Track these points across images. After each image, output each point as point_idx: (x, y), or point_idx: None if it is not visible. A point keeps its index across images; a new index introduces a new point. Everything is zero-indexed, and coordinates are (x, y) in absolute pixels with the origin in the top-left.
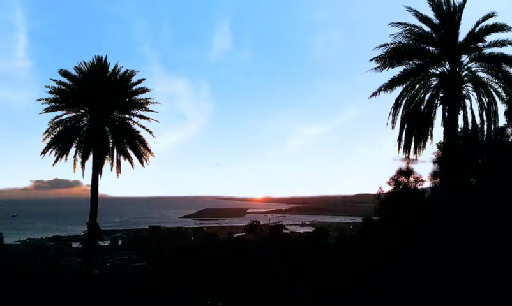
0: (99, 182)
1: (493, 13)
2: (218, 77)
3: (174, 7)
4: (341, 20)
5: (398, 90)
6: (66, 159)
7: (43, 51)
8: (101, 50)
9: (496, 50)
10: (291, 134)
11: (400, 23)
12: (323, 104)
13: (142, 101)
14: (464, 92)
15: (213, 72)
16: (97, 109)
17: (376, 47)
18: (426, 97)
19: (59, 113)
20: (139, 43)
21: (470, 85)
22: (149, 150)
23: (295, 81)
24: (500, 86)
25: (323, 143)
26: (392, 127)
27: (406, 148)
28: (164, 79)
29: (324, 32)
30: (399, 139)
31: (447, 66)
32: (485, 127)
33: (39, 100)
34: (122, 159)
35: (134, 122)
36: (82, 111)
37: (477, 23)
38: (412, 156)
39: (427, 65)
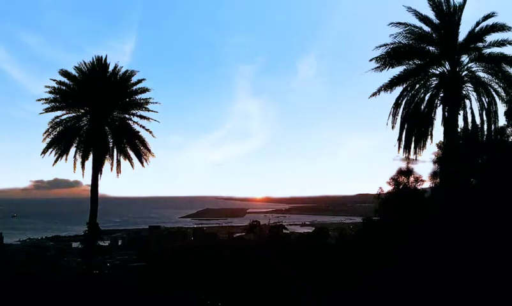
0: (99, 182)
1: (493, 13)
2: (288, 101)
3: (271, 35)
4: None
5: (398, 90)
6: (66, 159)
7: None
8: (192, 70)
9: (496, 50)
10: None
11: (400, 23)
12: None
13: (142, 101)
14: (464, 92)
15: (287, 96)
16: (97, 109)
17: (376, 47)
18: (426, 97)
19: (59, 113)
20: (229, 60)
21: (470, 85)
22: (149, 150)
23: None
24: (500, 86)
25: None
26: (392, 127)
27: (406, 148)
28: (245, 96)
29: None
30: (399, 139)
31: (447, 66)
32: (485, 127)
33: (39, 100)
34: (122, 159)
35: (134, 122)
36: (82, 111)
37: (477, 23)
38: (412, 156)
39: (427, 65)
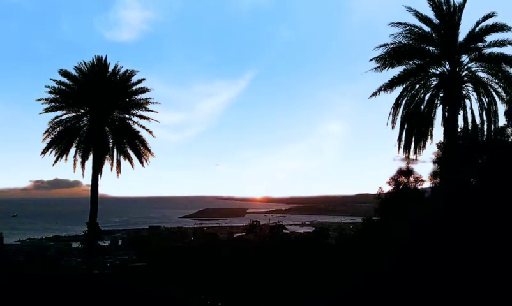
0: (99, 182)
1: (493, 13)
2: (361, 124)
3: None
4: None
5: (398, 90)
6: (66, 159)
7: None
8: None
9: (496, 50)
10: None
11: (400, 23)
12: None
13: (142, 101)
14: (464, 92)
15: (361, 121)
16: (97, 109)
17: (376, 47)
18: (426, 97)
19: (59, 113)
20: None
21: (470, 85)
22: (149, 150)
23: None
24: (500, 86)
25: None
26: (392, 127)
27: (406, 148)
28: (334, 120)
29: None
30: (399, 139)
31: (447, 66)
32: (485, 127)
33: (39, 100)
34: (122, 159)
35: (134, 122)
36: (82, 111)
37: (477, 23)
38: (412, 156)
39: (427, 65)
